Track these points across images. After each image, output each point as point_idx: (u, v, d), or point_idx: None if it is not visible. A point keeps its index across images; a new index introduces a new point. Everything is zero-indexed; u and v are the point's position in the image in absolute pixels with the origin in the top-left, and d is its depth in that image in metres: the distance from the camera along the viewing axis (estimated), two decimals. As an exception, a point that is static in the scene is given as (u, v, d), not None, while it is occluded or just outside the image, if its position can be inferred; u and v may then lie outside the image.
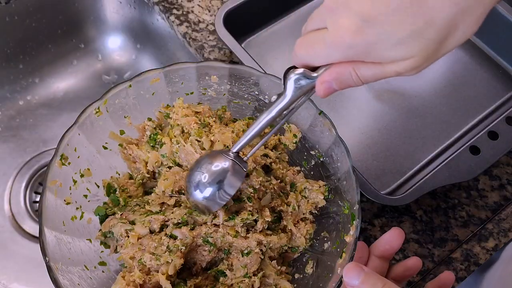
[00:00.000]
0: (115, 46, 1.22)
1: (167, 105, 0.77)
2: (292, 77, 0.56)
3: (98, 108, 0.72)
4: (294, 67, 0.56)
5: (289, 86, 0.56)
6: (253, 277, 0.69)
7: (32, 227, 1.06)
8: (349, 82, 0.52)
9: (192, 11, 1.06)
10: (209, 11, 1.06)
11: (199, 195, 0.66)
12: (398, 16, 0.45)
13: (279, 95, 0.58)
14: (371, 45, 0.47)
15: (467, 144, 0.90)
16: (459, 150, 0.90)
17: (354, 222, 0.67)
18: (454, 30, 0.45)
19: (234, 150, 0.65)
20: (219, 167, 0.65)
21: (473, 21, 0.45)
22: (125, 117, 0.76)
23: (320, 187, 0.74)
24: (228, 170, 0.65)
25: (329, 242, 0.73)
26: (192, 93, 0.78)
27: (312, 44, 0.52)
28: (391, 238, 0.70)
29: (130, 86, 0.73)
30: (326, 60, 0.52)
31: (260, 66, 0.90)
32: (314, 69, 0.54)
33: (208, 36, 1.04)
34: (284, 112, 0.59)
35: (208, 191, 0.66)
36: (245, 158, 0.67)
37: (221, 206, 0.67)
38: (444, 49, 0.47)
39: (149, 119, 0.77)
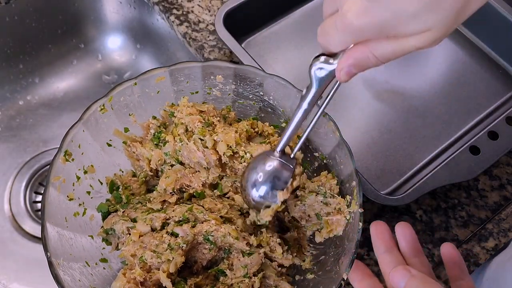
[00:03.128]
0: (115, 46, 1.22)
1: (172, 103, 0.77)
2: (313, 67, 0.55)
3: (103, 105, 0.72)
4: (319, 56, 0.55)
5: (313, 76, 0.56)
6: (253, 277, 0.69)
7: (32, 227, 1.06)
8: (368, 64, 0.50)
9: (192, 11, 1.06)
10: (209, 11, 1.07)
11: (255, 193, 0.69)
12: None
13: (308, 87, 0.58)
14: (383, 23, 0.45)
15: (467, 144, 0.91)
16: (459, 150, 0.90)
17: None
18: None
19: (278, 150, 0.67)
20: (271, 166, 0.68)
21: None
22: (130, 114, 0.77)
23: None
24: (278, 169, 0.68)
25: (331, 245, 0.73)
26: (197, 92, 0.78)
27: (327, 31, 0.50)
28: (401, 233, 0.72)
29: (135, 84, 0.73)
30: (342, 46, 0.51)
31: (260, 66, 0.89)
32: (335, 54, 0.53)
33: (208, 36, 1.04)
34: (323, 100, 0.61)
35: (263, 189, 0.68)
36: (292, 155, 0.68)
37: (274, 203, 0.69)
38: (463, 16, 0.45)
39: (154, 118, 0.78)
